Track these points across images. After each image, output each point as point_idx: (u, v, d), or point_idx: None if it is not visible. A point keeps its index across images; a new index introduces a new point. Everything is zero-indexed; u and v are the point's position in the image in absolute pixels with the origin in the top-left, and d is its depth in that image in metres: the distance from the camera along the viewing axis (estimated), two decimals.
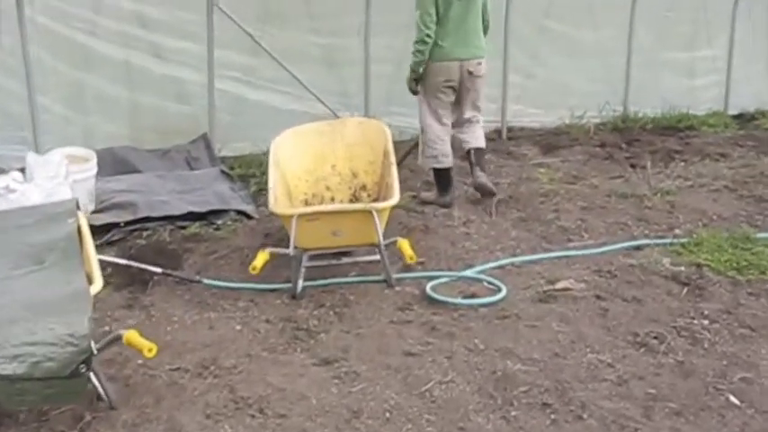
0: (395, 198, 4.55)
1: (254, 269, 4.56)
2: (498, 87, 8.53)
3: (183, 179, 7.17)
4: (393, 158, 4.96)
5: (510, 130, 8.74)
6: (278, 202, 4.67)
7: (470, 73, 6.41)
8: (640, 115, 9.27)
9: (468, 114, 6.48)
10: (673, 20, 9.35)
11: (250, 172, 7.25)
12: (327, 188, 5.31)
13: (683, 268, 5.21)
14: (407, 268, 5.18)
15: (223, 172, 7.22)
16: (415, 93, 6.37)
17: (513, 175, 7.32)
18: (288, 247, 4.58)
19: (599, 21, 8.96)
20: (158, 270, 5.08)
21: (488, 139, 8.33)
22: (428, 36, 6.08)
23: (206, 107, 7.51)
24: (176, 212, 6.30)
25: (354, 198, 5.30)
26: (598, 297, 4.85)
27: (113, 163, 7.24)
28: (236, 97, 7.69)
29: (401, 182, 5.26)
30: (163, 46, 7.43)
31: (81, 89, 7.29)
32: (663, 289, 4.96)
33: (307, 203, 5.24)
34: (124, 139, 7.37)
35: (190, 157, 7.60)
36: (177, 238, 5.91)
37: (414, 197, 6.54)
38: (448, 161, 6.42)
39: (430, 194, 6.53)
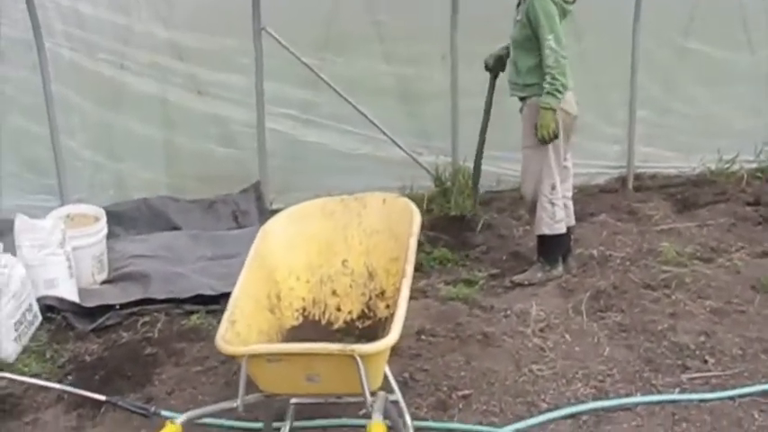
0: (391, 336, 3.04)
1: None
2: (623, 125, 6.83)
3: (220, 241, 6.05)
4: (410, 266, 3.45)
5: (638, 178, 7.00)
6: (235, 328, 3.26)
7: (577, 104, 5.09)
8: None
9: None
10: None
11: None
12: (334, 293, 3.85)
13: None
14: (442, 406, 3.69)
15: None
16: (553, 138, 4.87)
17: (628, 247, 5.63)
18: None
19: (755, 39, 7.04)
20: (102, 398, 3.83)
21: (609, 190, 6.78)
22: (566, 59, 4.82)
23: (255, 150, 6.28)
24: (184, 295, 5.14)
25: (368, 309, 3.83)
26: None
27: (149, 216, 6.31)
28: (291, 139, 6.47)
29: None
30: (203, 79, 6.31)
31: (111, 130, 6.32)
32: None
33: (305, 314, 3.82)
34: (162, 188, 6.41)
35: (238, 211, 6.51)
36: (171, 333, 4.71)
37: (492, 278, 5.11)
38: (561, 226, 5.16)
39: (530, 273, 5.18)
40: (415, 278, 5.23)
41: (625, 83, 6.73)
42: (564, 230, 5.08)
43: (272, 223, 3.94)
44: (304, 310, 3.83)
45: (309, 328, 3.76)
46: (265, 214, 6.23)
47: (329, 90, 6.20)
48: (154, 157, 6.37)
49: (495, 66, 5.35)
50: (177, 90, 6.27)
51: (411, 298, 4.80)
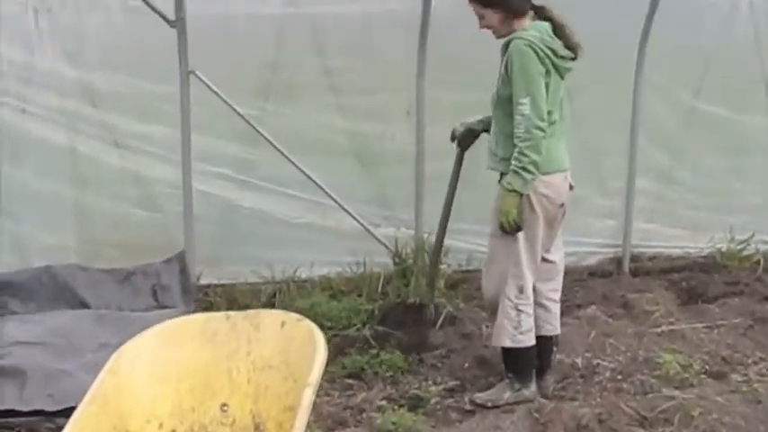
0: None
1: None
2: (620, 197, 5.82)
3: (130, 324, 4.91)
4: (302, 421, 2.39)
5: (635, 259, 5.99)
6: None
7: (571, 188, 4.04)
8: None
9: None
10: None
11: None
12: None
13: None
14: None
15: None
16: (515, 230, 3.85)
17: (620, 355, 4.61)
18: None
19: None
20: None
21: (601, 274, 5.75)
22: (542, 131, 3.73)
23: (181, 215, 5.27)
24: (63, 404, 4.02)
25: None
26: None
27: (52, 288, 5.28)
28: (224, 203, 5.49)
29: None
30: (121, 129, 5.32)
31: (9, 185, 5.24)
32: None
33: None
34: (70, 255, 5.38)
35: (158, 285, 5.45)
36: None
37: (449, 394, 4.12)
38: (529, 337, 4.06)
39: (496, 393, 4.11)
40: (352, 390, 4.24)
41: (623, 147, 5.75)
42: (532, 342, 4.01)
43: (133, 346, 2.88)
44: None
45: None
46: (190, 291, 5.33)
47: (270, 147, 5.23)
48: (61, 219, 5.36)
49: (465, 140, 4.34)
50: (89, 141, 5.28)
51: (339, 424, 3.78)
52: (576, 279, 5.67)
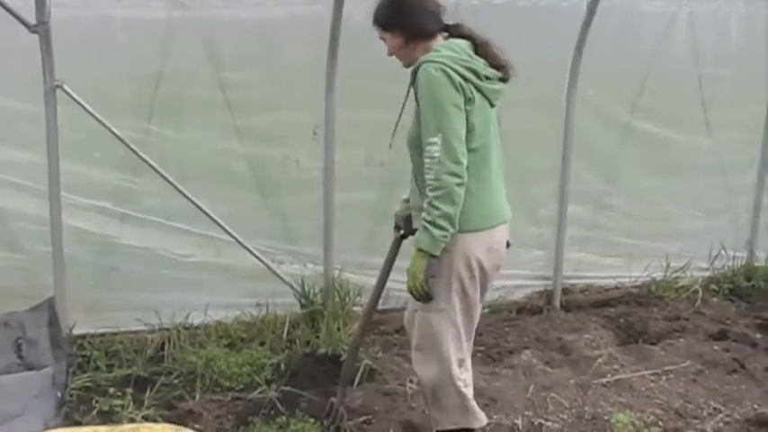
0: None
1: None
2: (550, 225, 5.25)
3: None
4: None
5: (566, 291, 5.48)
6: None
7: (508, 246, 3.38)
8: None
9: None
10: None
11: (119, 371, 4.34)
12: None
13: None
14: None
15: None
16: (427, 300, 3.17)
17: (564, 413, 4.09)
18: None
19: (715, 120, 5.61)
20: None
21: (530, 310, 5.24)
22: (457, 177, 3.00)
23: (50, 255, 4.42)
24: None
25: None
26: None
27: None
28: (101, 240, 4.68)
29: None
30: None
31: None
32: None
33: None
34: None
35: (23, 339, 4.68)
36: None
37: None
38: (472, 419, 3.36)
39: None
40: None
41: (554, 170, 5.18)
42: (484, 421, 3.38)
43: None
44: None
45: None
46: (61, 345, 4.58)
47: (154, 175, 4.50)
48: None
49: (406, 227, 3.48)
50: None
51: None
52: (505, 318, 5.17)
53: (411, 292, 3.19)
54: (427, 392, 3.35)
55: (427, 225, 3.04)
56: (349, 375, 3.94)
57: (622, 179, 5.55)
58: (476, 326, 3.34)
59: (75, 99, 4.23)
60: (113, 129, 4.33)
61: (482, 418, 3.36)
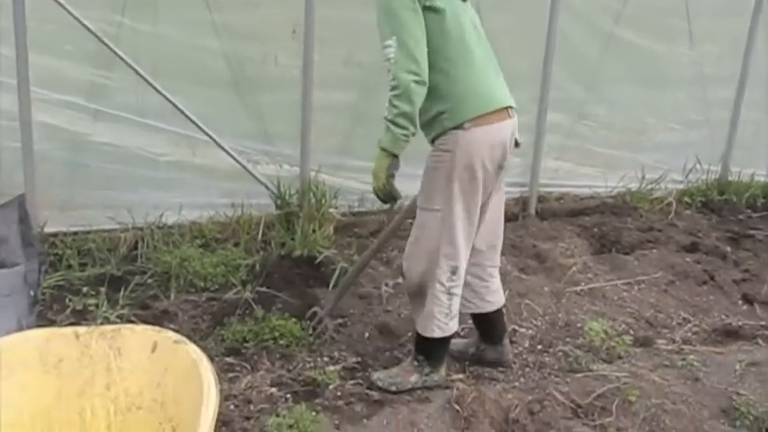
0: None
1: None
2: (528, 133, 5.19)
3: None
4: None
5: (542, 199, 5.45)
6: None
7: (517, 145, 3.33)
8: (746, 179, 5.93)
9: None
10: None
11: (93, 270, 4.25)
12: None
13: None
14: None
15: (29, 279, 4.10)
16: (391, 200, 3.16)
17: (538, 319, 4.09)
18: None
19: (699, 31, 5.53)
20: None
21: (507, 218, 5.14)
22: (416, 76, 2.97)
23: (19, 152, 4.29)
24: None
25: None
26: None
27: None
28: (72, 137, 4.50)
29: None
30: None
31: None
32: None
33: None
34: None
35: None
36: None
37: (350, 374, 3.45)
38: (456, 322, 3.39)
39: (401, 374, 3.45)
40: (234, 371, 3.55)
41: (534, 76, 5.10)
42: (456, 327, 3.39)
43: None
44: None
45: None
46: (32, 243, 4.42)
47: (128, 70, 4.34)
48: None
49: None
50: None
51: (222, 425, 3.09)
52: None
53: (376, 194, 3.17)
54: (412, 291, 3.35)
55: (388, 124, 3.01)
56: (344, 292, 3.93)
57: (603, 89, 5.47)
58: (474, 231, 3.30)
59: None
60: (84, 21, 4.18)
61: (456, 328, 3.38)
